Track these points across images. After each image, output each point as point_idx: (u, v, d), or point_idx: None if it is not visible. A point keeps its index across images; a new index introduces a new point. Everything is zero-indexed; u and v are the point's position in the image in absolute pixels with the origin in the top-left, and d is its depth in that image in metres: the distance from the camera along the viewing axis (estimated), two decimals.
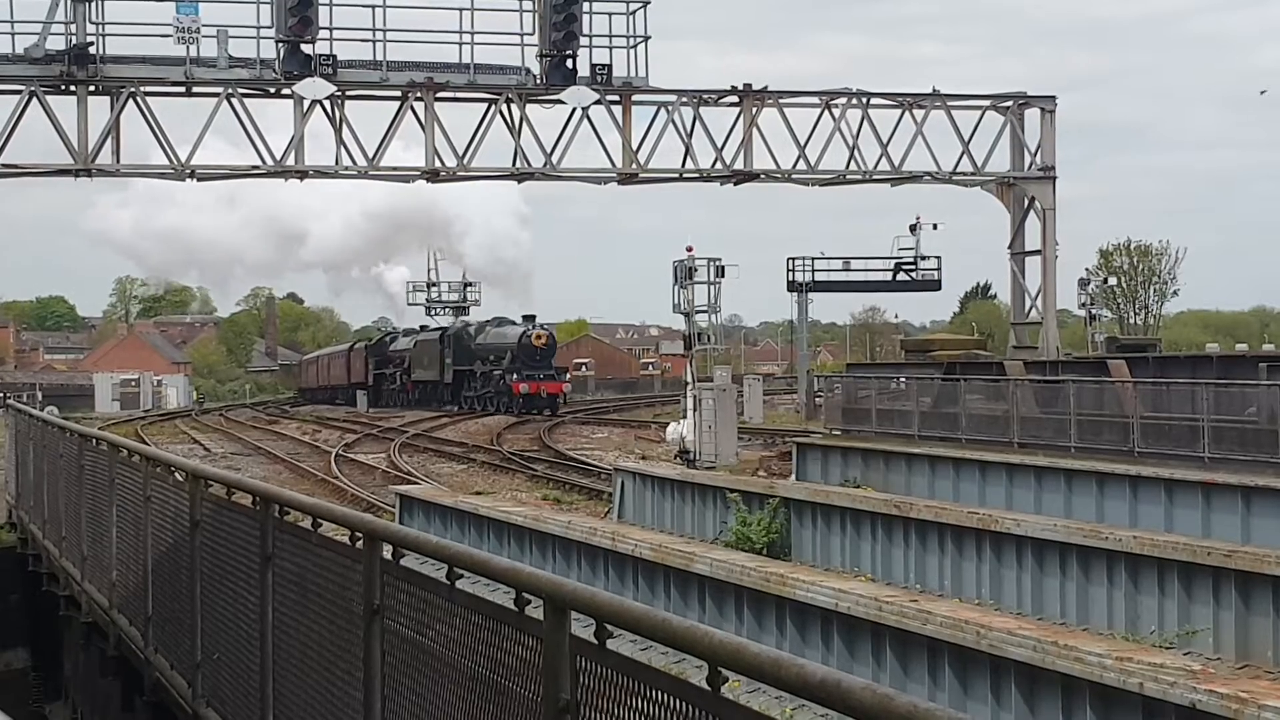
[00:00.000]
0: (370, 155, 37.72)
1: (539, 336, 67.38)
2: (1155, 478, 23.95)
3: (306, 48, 36.79)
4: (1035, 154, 40.50)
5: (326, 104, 37.17)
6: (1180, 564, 19.20)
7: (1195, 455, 24.64)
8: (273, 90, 37.45)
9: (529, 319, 71.00)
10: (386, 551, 6.46)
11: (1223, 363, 30.15)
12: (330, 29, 37.05)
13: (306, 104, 37.02)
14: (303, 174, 38.10)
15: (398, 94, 37.74)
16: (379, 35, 37.34)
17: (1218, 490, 22.71)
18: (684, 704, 3.94)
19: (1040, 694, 14.24)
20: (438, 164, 37.75)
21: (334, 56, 36.91)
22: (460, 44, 37.90)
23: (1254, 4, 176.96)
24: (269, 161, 37.25)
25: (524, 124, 37.87)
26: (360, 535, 6.73)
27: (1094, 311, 61.69)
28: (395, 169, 38.67)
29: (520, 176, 38.77)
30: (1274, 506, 21.61)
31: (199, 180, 38.05)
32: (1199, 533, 22.21)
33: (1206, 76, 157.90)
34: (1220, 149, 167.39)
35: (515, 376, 67.53)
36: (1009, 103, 40.63)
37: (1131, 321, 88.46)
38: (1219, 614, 18.70)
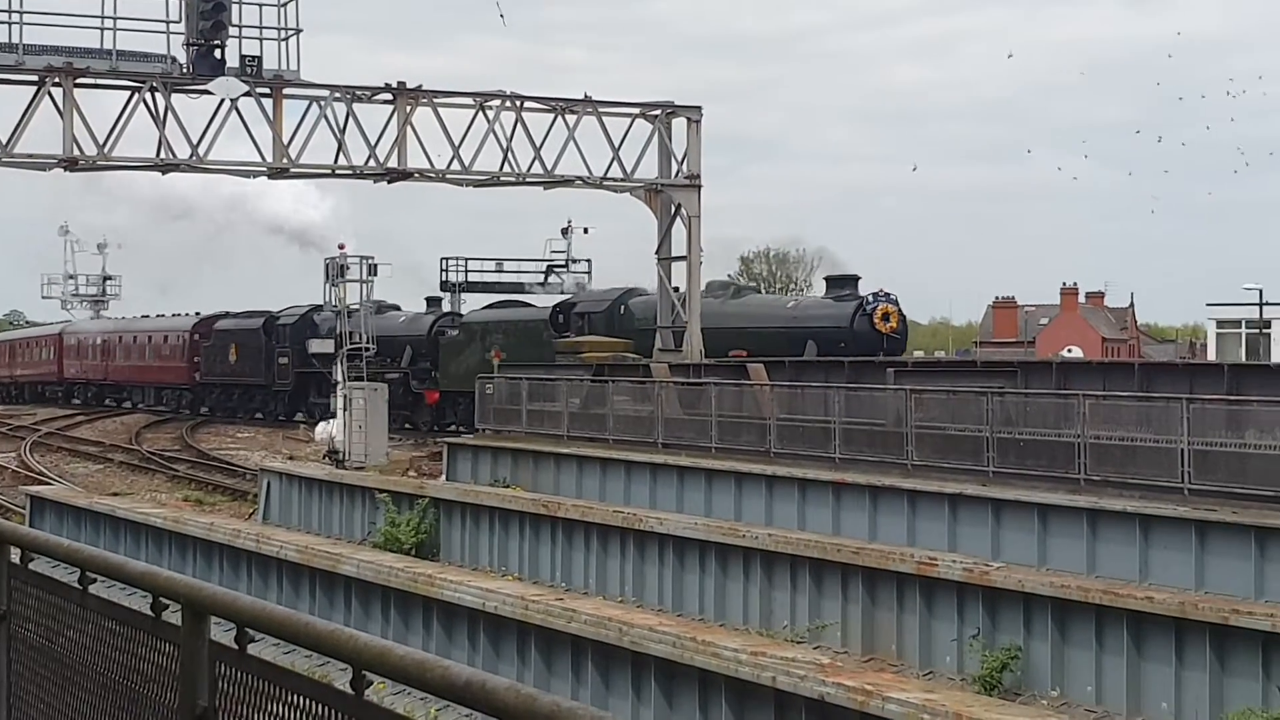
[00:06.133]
0: (4, 141, 35.95)
1: (887, 313, 40.66)
2: (790, 477, 24.88)
3: None
4: (682, 162, 41.47)
5: None
6: (812, 560, 20.04)
7: (827, 456, 25.69)
8: None
9: (843, 281, 43.02)
10: (15, 555, 6.23)
11: (854, 368, 31.51)
12: None
13: None
14: None
15: (34, 79, 36.08)
16: (14, 16, 35.63)
17: (847, 489, 23.75)
18: (327, 708, 3.94)
19: (678, 689, 14.66)
20: (76, 152, 36.26)
21: None
22: (102, 29, 36.51)
23: (881, 25, 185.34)
24: None
25: (169, 114, 36.73)
26: None
27: None
28: (31, 156, 36.94)
29: (165, 167, 37.56)
30: (899, 505, 22.73)
31: None
32: (830, 530, 23.17)
33: (837, 92, 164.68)
34: (849, 162, 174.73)
35: None
36: (657, 111, 41.49)
37: None
38: (847, 608, 19.60)
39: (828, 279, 43.88)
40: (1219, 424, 20.81)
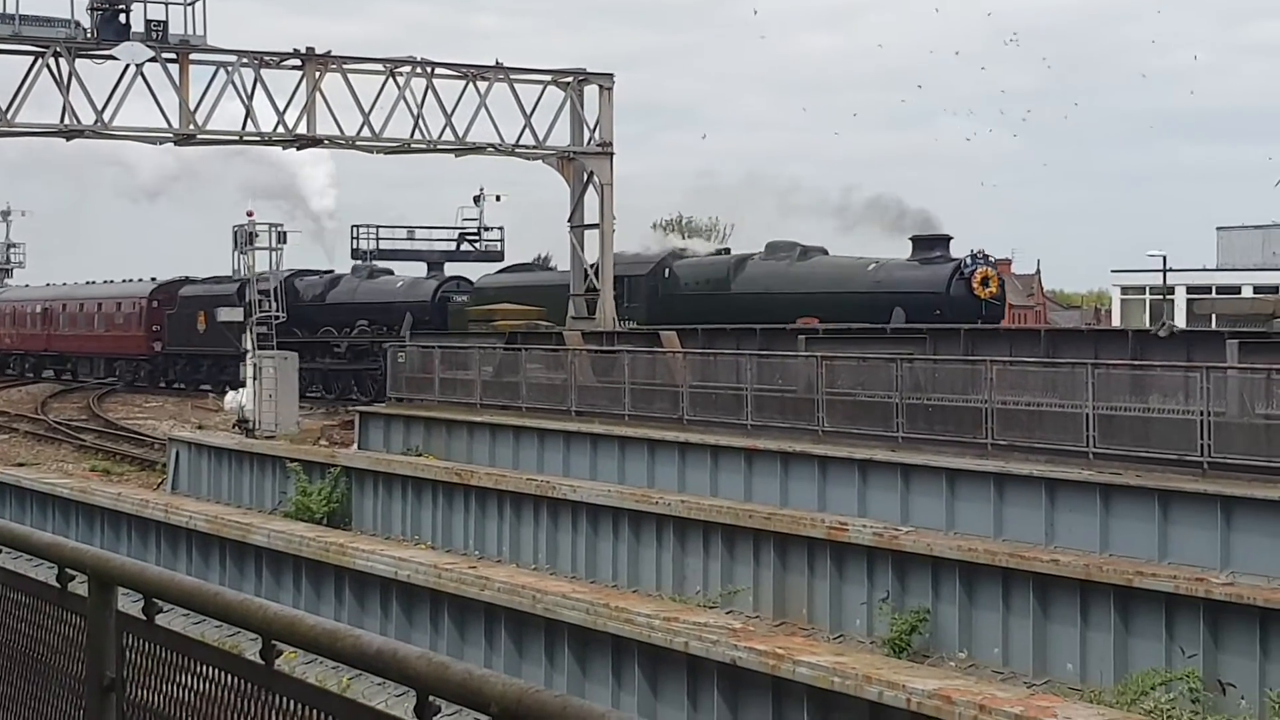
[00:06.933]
0: None
1: (986, 277, 37.19)
2: (702, 444, 25.01)
3: None
4: (594, 130, 41.42)
5: None
6: (724, 526, 20.17)
7: (740, 423, 25.83)
8: None
9: (933, 242, 39.15)
10: None
11: (766, 335, 31.66)
12: None
13: None
14: None
15: None
16: None
17: (759, 456, 23.90)
18: (236, 679, 3.94)
19: (592, 655, 14.72)
20: None
21: None
22: None
23: None
24: None
25: (73, 79, 36.15)
26: None
27: None
28: None
29: (69, 134, 36.99)
30: (810, 471, 22.92)
31: None
32: (742, 497, 23.31)
33: (750, 60, 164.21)
34: (762, 130, 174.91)
35: None
36: (569, 78, 41.39)
37: None
38: (759, 573, 19.75)
39: (915, 239, 39.53)
40: (1123, 389, 21.15)
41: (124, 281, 66.30)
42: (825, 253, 41.71)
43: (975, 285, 36.52)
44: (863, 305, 36.33)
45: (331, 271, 54.47)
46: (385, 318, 48.55)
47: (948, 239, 38.90)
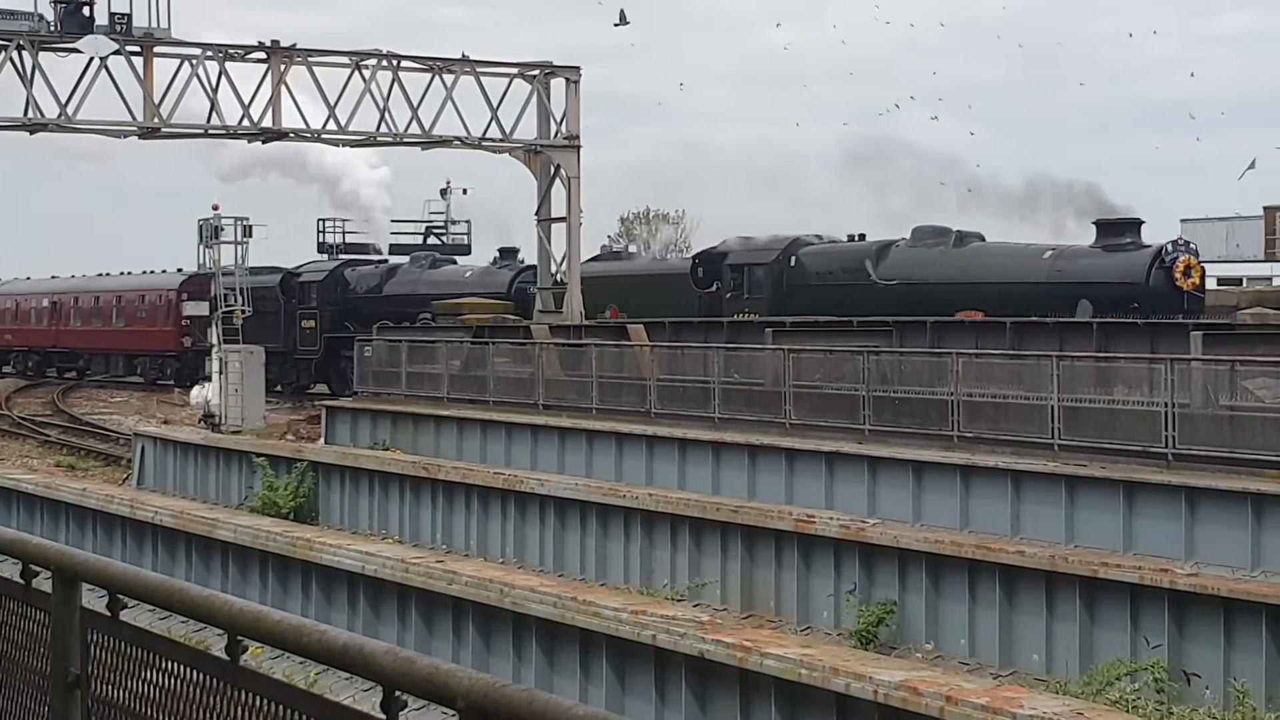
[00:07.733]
0: None
1: (1189, 266, 33.22)
2: (670, 437, 25.03)
3: None
4: (561, 123, 41.35)
5: None
6: (691, 519, 20.19)
7: (707, 416, 25.86)
8: None
9: (1122, 227, 34.90)
10: None
11: (733, 328, 31.72)
12: None
13: None
14: None
15: None
16: None
17: (726, 449, 23.93)
18: (202, 674, 3.93)
19: (560, 649, 14.73)
20: None
21: None
22: None
23: None
24: None
25: (36, 73, 35.92)
26: None
27: None
28: None
29: (33, 128, 36.75)
30: (777, 464, 22.96)
31: None
32: (710, 489, 23.34)
33: (716, 54, 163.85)
34: (726, 124, 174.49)
35: None
36: (536, 71, 41.30)
37: None
38: (726, 566, 19.79)
39: (1099, 224, 35.26)
40: (1088, 381, 21.25)
41: (146, 273, 61.91)
42: (982, 238, 37.83)
43: (1177, 276, 32.70)
44: (1040, 297, 33.03)
45: (386, 261, 51.73)
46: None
47: (1139, 223, 35.06)
